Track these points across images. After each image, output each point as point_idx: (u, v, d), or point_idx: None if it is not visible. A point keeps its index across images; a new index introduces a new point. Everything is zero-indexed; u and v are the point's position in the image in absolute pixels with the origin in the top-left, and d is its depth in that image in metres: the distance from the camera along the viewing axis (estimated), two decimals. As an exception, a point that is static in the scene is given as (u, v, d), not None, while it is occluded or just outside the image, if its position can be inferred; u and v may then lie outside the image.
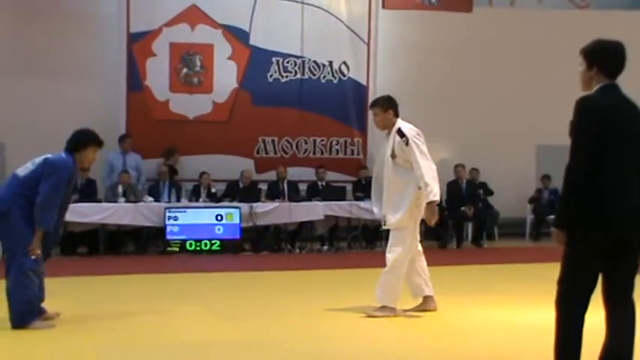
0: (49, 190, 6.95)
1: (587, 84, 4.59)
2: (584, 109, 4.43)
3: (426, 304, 7.46)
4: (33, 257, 6.68)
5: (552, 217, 16.06)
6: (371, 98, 16.16)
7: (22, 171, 7.18)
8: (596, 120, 4.41)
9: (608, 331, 4.46)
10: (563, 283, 4.50)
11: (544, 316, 7.33)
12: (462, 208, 14.86)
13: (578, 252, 4.43)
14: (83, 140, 7.78)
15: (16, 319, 6.63)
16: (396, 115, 7.79)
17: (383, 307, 7.24)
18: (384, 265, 8.93)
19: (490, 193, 15.51)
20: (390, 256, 7.35)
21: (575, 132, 4.44)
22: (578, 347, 4.42)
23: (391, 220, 7.39)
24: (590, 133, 4.39)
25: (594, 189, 4.35)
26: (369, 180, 14.82)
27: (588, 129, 4.40)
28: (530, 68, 16.87)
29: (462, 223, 15.05)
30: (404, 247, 7.32)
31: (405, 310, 7.36)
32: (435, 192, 7.15)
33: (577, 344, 4.42)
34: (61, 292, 8.94)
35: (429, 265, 7.56)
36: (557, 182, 16.54)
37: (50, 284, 9.68)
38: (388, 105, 7.75)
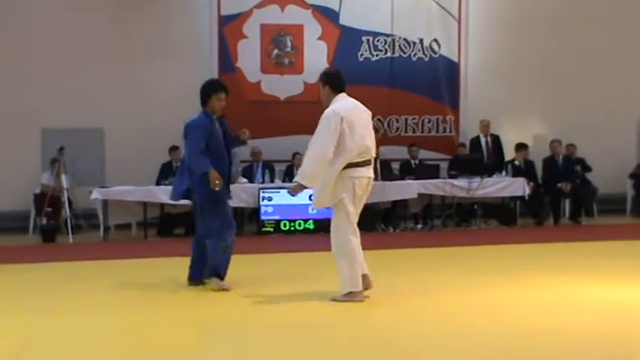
0: (187, 150, 7.93)
1: None
2: None
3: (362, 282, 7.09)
4: (217, 189, 7.45)
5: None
6: (463, 75, 16.03)
7: None
8: None
9: None
10: None
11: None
12: (559, 185, 14.53)
13: None
14: (204, 93, 8.37)
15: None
16: (336, 91, 7.35)
17: (348, 294, 6.94)
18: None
19: (588, 169, 15.10)
20: (331, 239, 7.04)
21: None
22: None
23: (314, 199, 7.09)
24: None
25: None
26: (464, 157, 14.73)
27: None
28: (631, 39, 16.35)
29: (559, 200, 14.71)
30: (339, 227, 6.96)
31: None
32: (302, 175, 6.87)
33: None
34: (159, 272, 9.16)
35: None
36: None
37: (148, 265, 9.98)
38: (325, 80, 7.39)
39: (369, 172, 7.10)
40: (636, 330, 5.70)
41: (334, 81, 7.38)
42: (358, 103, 7.33)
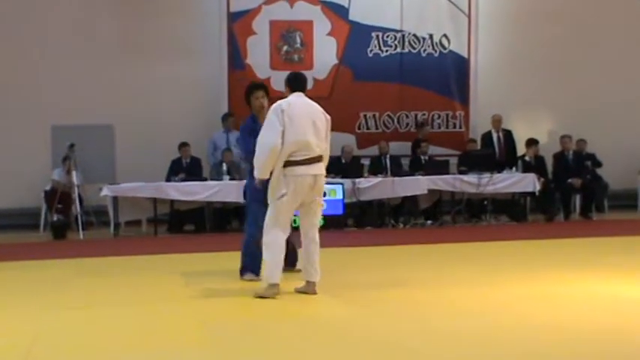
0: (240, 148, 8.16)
1: None
2: None
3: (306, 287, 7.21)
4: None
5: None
6: (472, 71, 15.98)
7: None
8: None
9: None
10: None
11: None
12: (569, 180, 14.49)
13: None
14: (245, 95, 8.55)
15: None
16: (293, 92, 7.40)
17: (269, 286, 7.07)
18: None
19: (599, 164, 15.04)
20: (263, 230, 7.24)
21: None
22: None
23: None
24: None
25: None
26: (475, 154, 14.70)
27: None
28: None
29: (570, 196, 14.67)
30: (269, 222, 7.09)
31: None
32: (255, 168, 7.07)
33: None
34: (170, 269, 9.18)
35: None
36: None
37: (158, 261, 10.00)
38: (286, 82, 7.52)
39: (312, 169, 7.08)
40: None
41: (292, 82, 7.47)
42: (311, 102, 7.38)
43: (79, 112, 14.73)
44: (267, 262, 7.10)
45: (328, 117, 7.40)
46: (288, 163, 6.95)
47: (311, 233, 7.23)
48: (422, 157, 14.79)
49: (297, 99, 7.28)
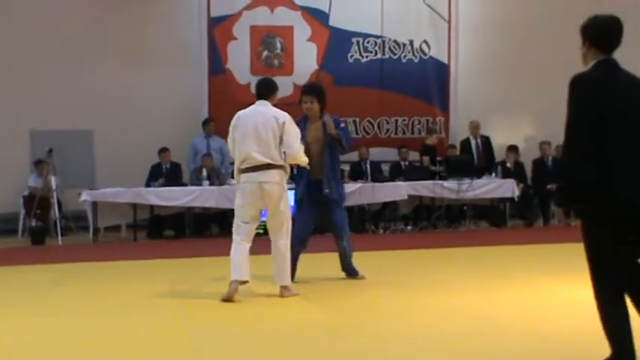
0: None
1: (584, 60, 4.62)
2: (575, 86, 4.41)
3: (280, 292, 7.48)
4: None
5: None
6: (453, 76, 16.05)
7: None
8: (589, 97, 4.36)
9: None
10: (591, 266, 4.48)
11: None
12: (548, 186, 14.57)
13: (596, 233, 4.38)
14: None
15: None
16: (257, 99, 7.65)
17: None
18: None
19: None
20: None
21: (569, 111, 4.39)
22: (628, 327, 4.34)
23: None
24: (585, 111, 4.34)
25: (595, 170, 4.27)
26: (453, 160, 14.75)
27: (582, 107, 4.35)
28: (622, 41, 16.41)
29: (549, 201, 14.75)
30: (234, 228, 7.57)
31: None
32: None
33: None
34: (149, 274, 9.15)
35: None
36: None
37: (139, 266, 9.96)
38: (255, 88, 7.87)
39: (258, 177, 7.20)
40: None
41: (257, 89, 7.64)
42: (264, 109, 7.43)
43: (59, 117, 14.66)
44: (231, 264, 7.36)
45: (285, 119, 7.37)
46: (240, 172, 7.28)
47: (274, 239, 7.43)
48: (402, 163, 14.82)
49: (251, 109, 7.42)
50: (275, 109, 7.44)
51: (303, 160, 7.51)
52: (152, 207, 13.18)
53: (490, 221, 14.43)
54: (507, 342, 5.50)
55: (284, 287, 7.38)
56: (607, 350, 4.41)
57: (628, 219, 4.30)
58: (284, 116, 7.37)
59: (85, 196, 12.80)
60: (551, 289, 7.53)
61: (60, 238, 12.80)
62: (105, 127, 14.85)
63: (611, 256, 4.37)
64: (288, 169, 7.44)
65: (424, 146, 15.12)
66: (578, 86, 4.43)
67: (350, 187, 13.68)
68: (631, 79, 4.54)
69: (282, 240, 7.37)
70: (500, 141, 15.60)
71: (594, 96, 4.38)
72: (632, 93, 4.46)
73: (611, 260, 4.37)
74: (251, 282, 7.69)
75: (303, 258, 8.22)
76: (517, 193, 13.94)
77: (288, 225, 7.43)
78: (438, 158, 14.82)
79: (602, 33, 4.61)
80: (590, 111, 4.34)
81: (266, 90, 7.56)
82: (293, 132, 7.34)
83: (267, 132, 7.22)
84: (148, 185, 13.51)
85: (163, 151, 13.97)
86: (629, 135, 4.34)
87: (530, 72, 16.14)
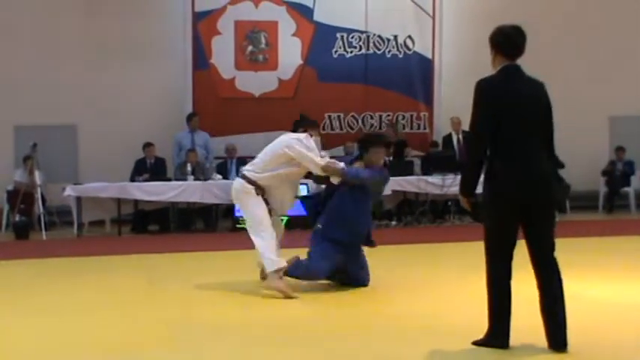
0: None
1: (492, 65, 5.29)
2: (480, 89, 5.12)
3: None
4: None
5: (626, 189, 15.94)
6: (437, 72, 16.07)
7: None
8: (490, 99, 5.04)
9: (540, 291, 5.10)
10: (486, 246, 5.24)
11: (618, 290, 7.23)
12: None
13: (493, 217, 5.16)
14: (362, 143, 8.26)
15: None
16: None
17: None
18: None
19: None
20: None
21: (473, 111, 5.10)
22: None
23: None
24: (486, 111, 5.01)
25: (497, 161, 5.01)
26: (436, 155, 14.79)
27: (484, 108, 5.03)
28: (604, 37, 16.50)
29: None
30: None
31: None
32: None
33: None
34: (134, 269, 9.14)
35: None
36: (631, 154, 16.30)
37: (123, 261, 9.95)
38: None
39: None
40: (617, 324, 5.78)
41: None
42: (283, 136, 7.81)
43: (42, 112, 14.60)
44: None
45: (292, 146, 7.55)
46: None
47: None
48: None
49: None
50: (290, 136, 7.72)
51: (332, 169, 7.61)
52: (136, 202, 13.16)
53: (473, 216, 14.46)
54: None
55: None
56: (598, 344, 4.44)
57: (527, 203, 5.04)
58: (288, 142, 7.59)
59: (69, 190, 12.76)
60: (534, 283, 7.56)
61: (44, 232, 12.75)
62: (89, 122, 14.80)
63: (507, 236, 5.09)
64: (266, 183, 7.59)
65: (393, 144, 15.03)
66: (482, 89, 5.12)
67: (334, 181, 13.68)
68: (531, 84, 5.20)
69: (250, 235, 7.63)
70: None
71: (494, 99, 5.04)
72: (528, 96, 5.12)
73: (508, 239, 5.10)
74: (239, 277, 7.70)
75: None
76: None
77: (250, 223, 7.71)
78: (416, 153, 14.85)
79: (505, 42, 5.22)
80: (490, 112, 5.01)
81: (294, 126, 8.03)
82: (298, 151, 7.51)
83: (266, 152, 7.70)
84: (132, 180, 13.47)
85: (148, 145, 13.94)
86: (523, 131, 5.04)
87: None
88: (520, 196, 5.03)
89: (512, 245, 5.09)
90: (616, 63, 16.35)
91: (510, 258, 5.11)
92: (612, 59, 16.36)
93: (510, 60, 5.21)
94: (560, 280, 5.09)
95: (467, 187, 5.26)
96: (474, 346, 5.20)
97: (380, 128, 15.82)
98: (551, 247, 5.14)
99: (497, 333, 5.12)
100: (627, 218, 15.23)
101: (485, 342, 5.17)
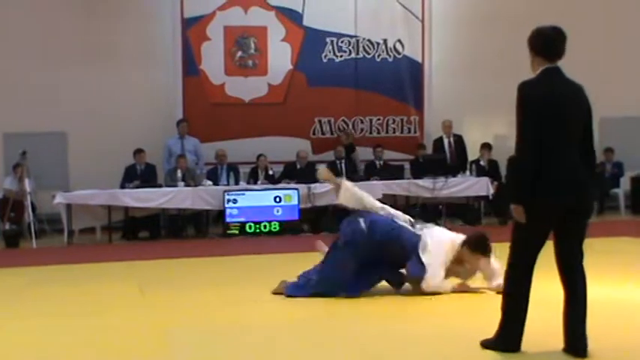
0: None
1: (532, 68, 5.17)
2: (523, 93, 4.99)
3: None
4: None
5: (615, 190, 15.99)
6: (427, 75, 16.11)
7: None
8: (534, 103, 4.91)
9: (566, 296, 5.05)
10: (513, 249, 5.10)
11: (606, 291, 7.24)
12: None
13: (530, 226, 4.93)
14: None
15: None
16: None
17: None
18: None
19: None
20: None
21: (518, 115, 4.95)
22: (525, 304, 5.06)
23: None
24: (532, 115, 4.88)
25: (542, 167, 4.85)
26: (427, 158, 14.82)
27: (529, 112, 4.90)
28: (590, 38, 16.54)
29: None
30: None
31: None
32: None
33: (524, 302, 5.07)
34: (124, 276, 9.11)
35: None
36: (621, 155, 16.35)
37: (113, 268, 9.92)
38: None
39: None
40: (614, 325, 5.79)
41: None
42: None
43: (32, 119, 14.54)
44: None
45: None
46: None
47: None
48: (377, 162, 14.86)
49: None
50: None
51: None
52: (127, 209, 13.13)
53: (465, 219, 14.49)
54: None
55: None
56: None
57: (565, 210, 4.94)
58: None
59: (59, 198, 12.72)
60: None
61: (34, 240, 12.70)
62: (79, 129, 14.75)
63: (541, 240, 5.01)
64: None
65: (344, 146, 15.04)
66: (525, 93, 4.99)
67: (325, 186, 13.71)
68: (573, 87, 5.11)
69: None
70: (475, 139, 15.66)
71: (538, 102, 4.91)
72: (571, 99, 5.01)
73: (537, 246, 5.01)
74: (230, 282, 7.67)
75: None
76: (492, 191, 14.02)
77: None
78: (412, 157, 14.83)
79: (544, 44, 5.10)
80: (535, 116, 4.88)
81: None
82: None
83: None
84: (122, 187, 13.44)
85: (138, 152, 13.90)
86: (564, 136, 4.92)
87: (503, 70, 16.18)
88: (559, 203, 4.92)
89: (539, 250, 5.04)
90: (605, 65, 16.40)
91: (534, 262, 5.05)
92: (602, 61, 16.41)
93: (550, 62, 5.09)
94: (585, 289, 5.07)
95: (522, 195, 4.93)
96: (484, 350, 5.20)
97: (370, 133, 15.85)
98: (581, 255, 5.11)
99: (509, 335, 5.08)
100: (617, 219, 15.28)
101: (495, 344, 5.14)
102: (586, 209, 5.09)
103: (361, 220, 7.40)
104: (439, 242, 7.38)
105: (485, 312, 6.29)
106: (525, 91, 5.00)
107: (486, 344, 5.18)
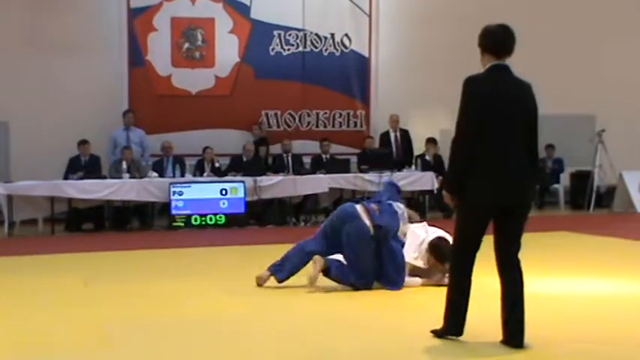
0: None
1: (482, 64, 5.27)
2: (466, 87, 5.12)
3: None
4: None
5: (555, 186, 16.31)
6: (373, 70, 16.20)
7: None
8: (476, 97, 5.05)
9: (503, 289, 5.16)
10: (456, 240, 5.28)
11: (545, 284, 7.39)
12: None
13: (467, 215, 5.14)
14: None
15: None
16: None
17: None
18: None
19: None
20: None
21: (460, 108, 5.09)
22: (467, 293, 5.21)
23: None
24: (472, 110, 5.02)
25: (478, 160, 5.00)
26: (374, 152, 14.91)
27: (470, 106, 5.04)
28: (535, 35, 16.78)
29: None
30: None
31: None
32: None
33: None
34: (68, 269, 9.02)
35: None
36: (561, 152, 16.66)
37: (56, 260, 9.80)
38: None
39: None
40: (552, 317, 5.91)
41: None
42: None
43: (-27, 108, 14.29)
44: None
45: None
46: None
47: None
48: (323, 156, 14.92)
49: None
50: None
51: None
52: (70, 200, 12.97)
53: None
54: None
55: None
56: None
57: (502, 207, 5.08)
58: None
59: (0, 189, 12.52)
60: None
61: (-26, 232, 12.51)
62: (21, 119, 14.52)
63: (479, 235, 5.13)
64: None
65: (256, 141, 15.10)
66: (468, 87, 5.11)
67: (271, 179, 13.75)
68: (518, 85, 5.23)
69: None
70: (420, 134, 15.80)
71: (480, 97, 5.04)
72: (514, 97, 5.13)
73: (475, 239, 5.14)
74: (175, 275, 7.63)
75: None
76: (436, 185, 14.18)
77: None
78: (359, 151, 14.92)
79: (492, 41, 5.23)
80: (475, 110, 5.01)
81: None
82: None
83: None
84: (66, 178, 13.27)
85: (83, 143, 13.73)
86: (507, 133, 5.03)
87: (450, 66, 16.35)
88: (497, 199, 5.05)
89: (479, 243, 5.15)
90: (545, 62, 16.66)
91: (476, 249, 5.17)
92: (542, 59, 16.67)
93: (498, 59, 5.20)
94: (522, 282, 5.17)
95: (453, 185, 5.19)
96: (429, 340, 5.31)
97: (317, 126, 15.89)
98: (517, 249, 5.21)
99: (453, 321, 5.23)
100: (557, 214, 15.59)
101: (442, 331, 5.29)
102: (524, 207, 5.20)
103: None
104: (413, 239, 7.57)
105: (435, 306, 6.39)
106: (470, 86, 5.11)
107: (436, 332, 5.31)
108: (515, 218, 5.17)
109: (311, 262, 7.28)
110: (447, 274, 5.61)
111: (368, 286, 7.18)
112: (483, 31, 5.29)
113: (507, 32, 5.27)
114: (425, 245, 7.43)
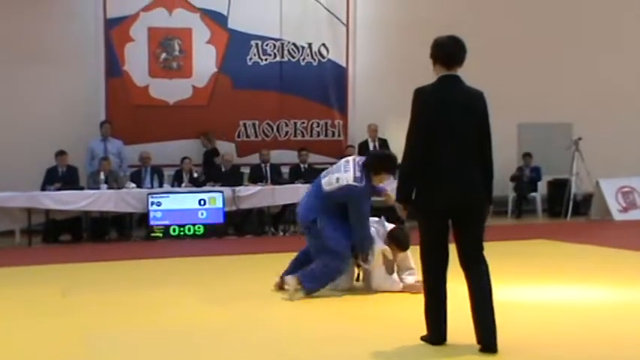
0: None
1: (435, 74, 5.43)
2: (415, 98, 5.30)
3: None
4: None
5: (533, 194, 16.42)
6: (351, 79, 16.25)
7: (327, 185, 7.90)
8: (424, 108, 5.20)
9: (469, 285, 5.19)
10: (420, 244, 5.36)
11: (522, 291, 7.44)
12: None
13: (423, 221, 5.29)
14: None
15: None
16: None
17: None
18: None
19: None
20: None
21: (410, 119, 5.24)
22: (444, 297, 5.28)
23: None
24: (421, 120, 5.15)
25: (426, 172, 5.13)
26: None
27: (419, 117, 5.18)
28: (512, 45, 16.93)
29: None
30: None
31: None
32: None
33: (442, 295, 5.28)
34: (45, 280, 8.96)
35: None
36: (538, 160, 16.78)
37: (34, 272, 9.74)
38: None
39: None
40: (529, 324, 5.95)
41: None
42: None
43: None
44: None
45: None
46: None
47: None
48: (302, 166, 14.93)
49: None
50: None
51: None
52: (47, 211, 12.89)
53: (389, 221, 14.61)
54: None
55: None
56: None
57: (453, 213, 5.19)
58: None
59: (-23, 200, 12.44)
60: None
61: (-50, 244, 12.40)
62: (-5, 130, 14.43)
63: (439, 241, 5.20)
64: None
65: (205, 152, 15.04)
66: (417, 98, 5.27)
67: (249, 189, 13.74)
68: (467, 94, 5.34)
69: None
70: (399, 143, 15.80)
71: (428, 107, 5.18)
72: (462, 106, 5.23)
73: (438, 244, 5.21)
74: (153, 285, 7.60)
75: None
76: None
77: None
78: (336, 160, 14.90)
79: (442, 52, 5.38)
80: (424, 120, 5.14)
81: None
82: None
83: None
84: (43, 189, 13.19)
85: (60, 154, 13.65)
86: (457, 143, 5.14)
87: (427, 76, 16.42)
88: (448, 207, 5.16)
89: (443, 243, 5.21)
90: (523, 71, 16.79)
91: (443, 257, 5.23)
92: (520, 68, 16.80)
93: (448, 69, 5.33)
94: (488, 275, 5.18)
95: (403, 194, 5.33)
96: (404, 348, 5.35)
97: (295, 136, 15.91)
98: (479, 247, 5.22)
99: (434, 329, 5.30)
100: (534, 222, 15.69)
101: (427, 338, 5.36)
102: (475, 212, 5.23)
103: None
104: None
105: (409, 312, 6.42)
106: (419, 97, 5.27)
107: (423, 339, 5.37)
108: (469, 223, 5.22)
109: (285, 285, 7.42)
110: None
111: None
112: (434, 43, 5.42)
113: (458, 44, 5.38)
114: (384, 238, 7.74)
